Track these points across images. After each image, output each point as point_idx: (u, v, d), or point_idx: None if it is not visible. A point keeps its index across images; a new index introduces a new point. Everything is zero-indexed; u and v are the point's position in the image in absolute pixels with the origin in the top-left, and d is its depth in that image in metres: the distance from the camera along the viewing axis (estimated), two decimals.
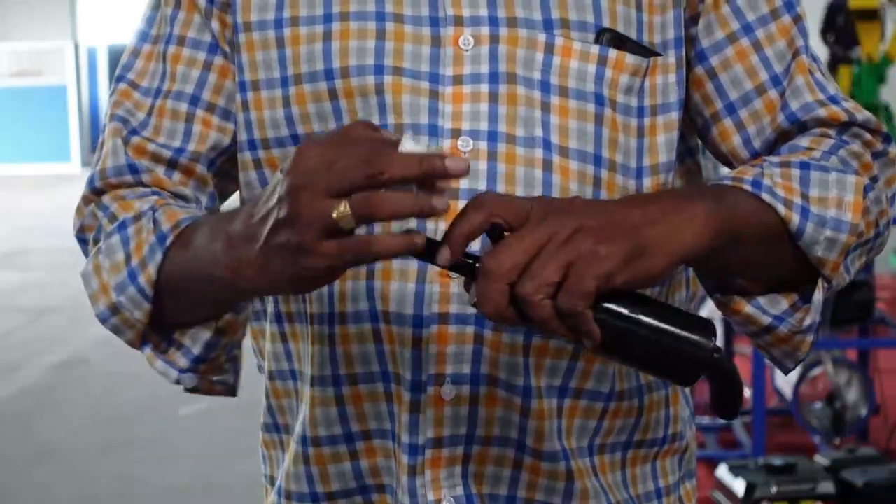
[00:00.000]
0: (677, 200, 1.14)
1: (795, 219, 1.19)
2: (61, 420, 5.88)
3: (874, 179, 1.27)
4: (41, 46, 17.68)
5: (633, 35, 1.26)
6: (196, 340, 1.27)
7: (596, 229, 1.07)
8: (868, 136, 1.28)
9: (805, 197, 1.20)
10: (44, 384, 6.50)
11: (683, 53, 1.29)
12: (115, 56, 17.84)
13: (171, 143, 1.32)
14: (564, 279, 1.05)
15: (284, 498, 1.33)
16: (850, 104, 1.29)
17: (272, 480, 1.38)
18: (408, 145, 1.04)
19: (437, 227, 1.21)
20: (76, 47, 17.60)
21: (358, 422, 1.28)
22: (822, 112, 1.28)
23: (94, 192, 1.32)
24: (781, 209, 1.19)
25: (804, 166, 1.22)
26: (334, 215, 1.02)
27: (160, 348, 1.28)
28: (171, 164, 1.32)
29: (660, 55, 1.27)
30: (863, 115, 1.29)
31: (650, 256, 1.09)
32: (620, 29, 1.26)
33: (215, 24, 1.32)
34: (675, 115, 1.29)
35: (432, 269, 1.22)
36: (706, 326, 1.11)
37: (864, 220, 1.22)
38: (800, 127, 1.28)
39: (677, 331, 1.10)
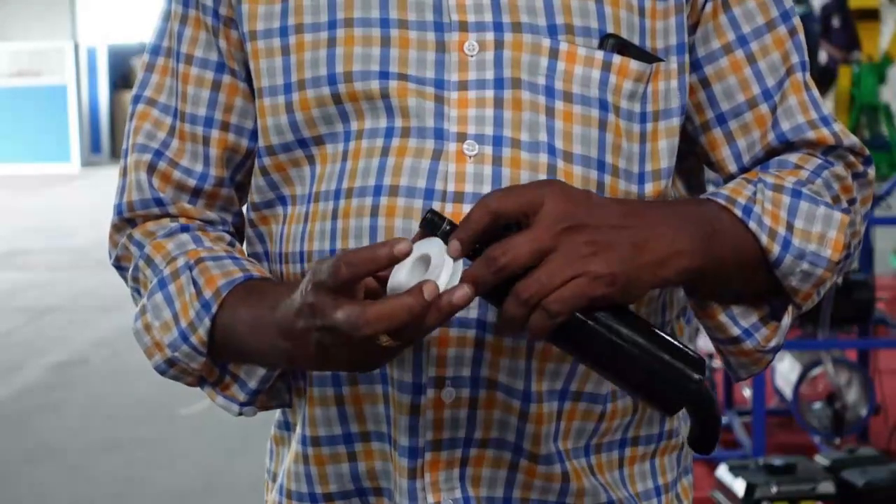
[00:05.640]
0: (671, 223, 1.18)
1: (776, 249, 1.24)
2: (61, 420, 5.87)
3: (852, 202, 1.31)
4: (41, 46, 17.64)
5: (636, 41, 1.27)
6: (251, 375, 1.30)
7: (604, 246, 1.11)
8: (851, 158, 1.33)
9: (790, 227, 1.24)
10: (44, 384, 6.49)
11: (686, 59, 1.30)
12: (115, 56, 17.80)
13: (194, 168, 1.35)
14: (560, 286, 1.09)
15: (285, 497, 1.34)
16: (838, 127, 1.33)
17: (274, 476, 1.38)
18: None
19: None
20: (76, 47, 17.55)
21: (357, 423, 1.28)
22: (811, 134, 1.31)
23: (124, 221, 1.37)
24: (764, 239, 1.24)
25: (796, 194, 1.25)
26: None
27: (218, 384, 1.32)
28: (196, 193, 1.35)
29: (662, 61, 1.28)
30: (849, 139, 1.33)
31: (642, 280, 1.14)
32: (624, 34, 1.26)
33: (222, 43, 1.33)
34: (676, 121, 1.30)
35: None
36: (695, 361, 1.14)
37: (842, 254, 1.27)
38: (788, 146, 1.31)
39: (665, 356, 1.13)
